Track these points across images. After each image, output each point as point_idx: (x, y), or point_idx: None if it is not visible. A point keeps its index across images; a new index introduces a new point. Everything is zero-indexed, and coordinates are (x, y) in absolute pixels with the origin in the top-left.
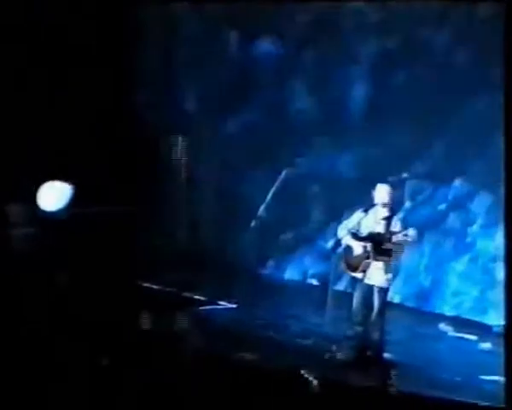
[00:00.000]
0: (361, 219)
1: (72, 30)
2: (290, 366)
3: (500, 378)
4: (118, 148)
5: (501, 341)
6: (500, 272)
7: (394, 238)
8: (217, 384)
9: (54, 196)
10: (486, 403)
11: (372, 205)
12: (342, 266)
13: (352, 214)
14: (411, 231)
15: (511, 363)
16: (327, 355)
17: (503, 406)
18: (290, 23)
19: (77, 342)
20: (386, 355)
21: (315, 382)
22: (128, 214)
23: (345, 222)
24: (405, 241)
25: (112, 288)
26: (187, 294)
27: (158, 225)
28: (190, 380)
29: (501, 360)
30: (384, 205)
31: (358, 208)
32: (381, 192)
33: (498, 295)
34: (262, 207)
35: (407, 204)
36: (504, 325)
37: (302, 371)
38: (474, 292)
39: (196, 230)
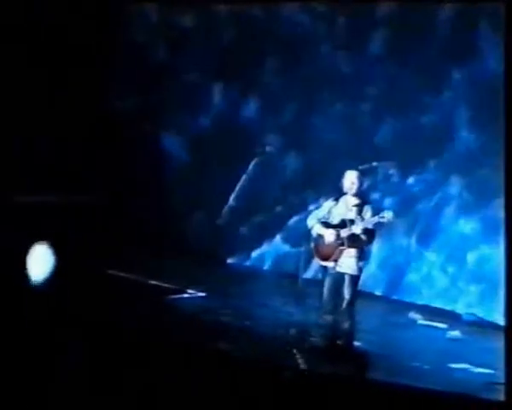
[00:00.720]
0: (331, 207)
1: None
2: (260, 355)
3: (469, 366)
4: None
5: (470, 329)
6: (470, 260)
7: (370, 222)
8: (188, 374)
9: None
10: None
11: (342, 194)
12: (313, 255)
13: (321, 204)
14: (387, 213)
15: (511, 359)
16: (297, 344)
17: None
18: None
19: (46, 331)
20: (356, 344)
21: (286, 370)
22: (96, 202)
23: (315, 212)
24: (381, 223)
25: (79, 276)
26: (155, 282)
27: (126, 212)
28: (162, 370)
29: (469, 348)
30: (354, 193)
31: (328, 197)
32: (350, 179)
33: (468, 283)
34: (232, 196)
35: (376, 192)
36: (505, 323)
37: (273, 360)
38: (444, 280)
39: (166, 218)
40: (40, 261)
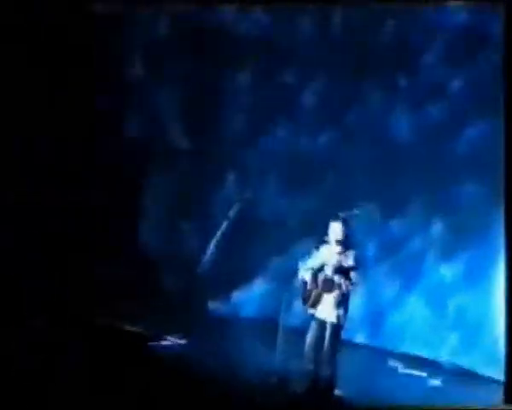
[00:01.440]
0: (318, 254)
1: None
2: (241, 402)
3: None
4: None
5: (451, 377)
6: (451, 307)
7: (338, 280)
8: None
9: None
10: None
11: (327, 241)
12: (300, 300)
13: (306, 251)
14: (351, 277)
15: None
16: (279, 391)
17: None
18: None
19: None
20: (337, 392)
21: None
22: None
23: (307, 259)
24: (348, 286)
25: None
26: (134, 328)
27: (106, 256)
28: None
29: (450, 397)
30: (338, 241)
31: (311, 244)
32: (334, 229)
33: (449, 330)
34: (213, 242)
35: (358, 238)
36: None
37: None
38: (425, 328)
39: (145, 263)
40: None
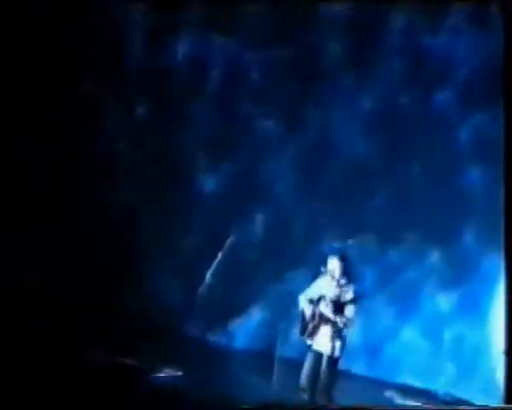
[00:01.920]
0: (315, 285)
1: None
2: None
3: None
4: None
5: (447, 408)
6: (447, 338)
7: (333, 318)
8: None
9: None
10: None
11: (328, 273)
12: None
13: (303, 280)
14: (347, 313)
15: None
16: None
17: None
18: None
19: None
20: None
21: None
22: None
23: (308, 289)
24: (344, 323)
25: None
26: (131, 361)
27: (99, 289)
28: None
29: None
30: (337, 274)
31: (308, 274)
32: (332, 264)
33: (444, 360)
34: (208, 274)
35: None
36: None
37: None
38: (421, 358)
39: (141, 295)
40: None
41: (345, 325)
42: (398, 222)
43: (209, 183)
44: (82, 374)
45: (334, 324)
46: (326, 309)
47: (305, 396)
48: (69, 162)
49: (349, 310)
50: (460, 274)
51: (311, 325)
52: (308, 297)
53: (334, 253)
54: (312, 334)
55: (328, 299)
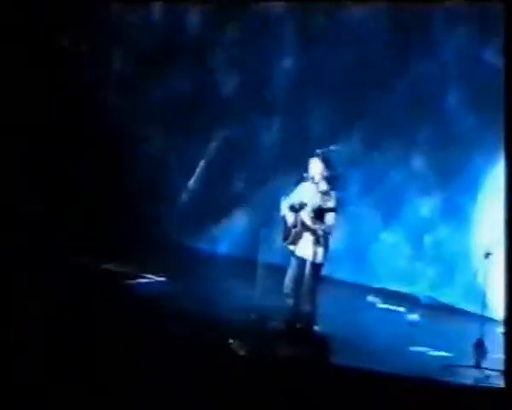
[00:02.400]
0: (300, 191)
1: None
2: (220, 340)
3: (427, 349)
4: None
5: (428, 312)
6: (428, 242)
7: (313, 225)
8: (147, 359)
9: None
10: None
11: (310, 178)
12: (280, 237)
13: (286, 185)
14: (327, 220)
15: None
16: (257, 328)
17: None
18: None
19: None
20: (316, 328)
21: (245, 354)
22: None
23: (290, 194)
24: (324, 230)
25: (37, 263)
26: (115, 267)
27: (85, 195)
28: (121, 354)
29: (427, 331)
30: (319, 178)
31: (291, 179)
32: (314, 166)
33: (426, 265)
34: (192, 179)
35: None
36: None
37: (232, 344)
38: (403, 263)
39: (125, 201)
40: None
41: (324, 232)
42: (381, 126)
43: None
44: (67, 280)
45: (314, 231)
46: (306, 217)
47: (289, 302)
48: None
49: (329, 217)
50: (443, 179)
51: (293, 232)
52: (289, 203)
53: (316, 156)
54: (295, 240)
55: (309, 206)
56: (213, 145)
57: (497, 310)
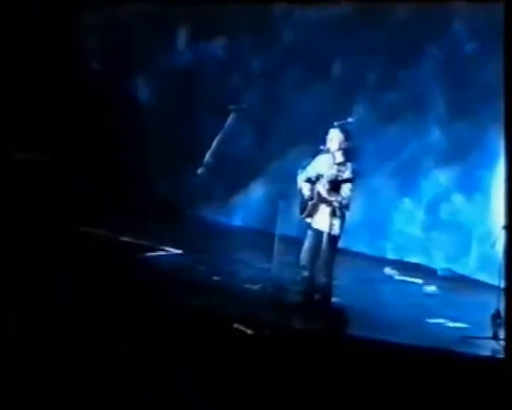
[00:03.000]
0: (317, 163)
1: None
2: (238, 312)
3: (444, 321)
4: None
5: (446, 284)
6: (446, 214)
7: (329, 197)
8: (164, 332)
9: None
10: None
11: (327, 149)
12: (297, 209)
13: (303, 157)
14: (343, 192)
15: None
16: (275, 300)
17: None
18: None
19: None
20: (333, 300)
21: (263, 327)
22: (69, 157)
23: (306, 167)
24: (340, 202)
25: (52, 235)
26: (132, 239)
27: (101, 169)
28: (137, 328)
29: (445, 303)
30: (336, 150)
31: (307, 153)
32: (331, 137)
33: (443, 238)
34: (208, 152)
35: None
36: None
37: (250, 316)
38: (419, 236)
39: (141, 174)
40: None
41: (341, 204)
42: (397, 99)
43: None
44: (82, 253)
45: (330, 203)
46: (322, 189)
47: (306, 274)
48: None
49: (345, 189)
50: (461, 150)
51: (310, 205)
52: (306, 176)
53: (335, 127)
54: (312, 213)
55: (325, 178)
56: (231, 117)
57: None
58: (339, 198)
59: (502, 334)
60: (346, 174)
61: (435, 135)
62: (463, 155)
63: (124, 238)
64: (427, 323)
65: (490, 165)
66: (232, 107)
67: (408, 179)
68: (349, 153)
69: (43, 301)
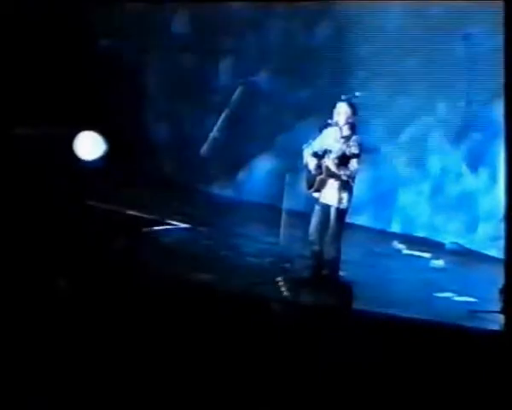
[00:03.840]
0: (323, 137)
1: None
2: (245, 286)
3: (452, 295)
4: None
5: (454, 258)
6: (454, 189)
7: (338, 171)
8: (172, 306)
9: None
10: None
11: (335, 124)
12: (304, 184)
13: (310, 131)
14: (351, 166)
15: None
16: (282, 274)
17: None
18: None
19: (29, 264)
20: (341, 274)
21: (271, 302)
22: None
23: (312, 141)
24: (349, 176)
25: (60, 208)
26: (138, 213)
27: (108, 144)
28: (143, 302)
29: (453, 277)
30: (343, 123)
31: (315, 128)
32: (338, 110)
33: (451, 212)
34: (215, 127)
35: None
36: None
37: (257, 291)
38: (427, 210)
39: (148, 149)
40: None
41: (349, 177)
42: (405, 73)
43: None
44: (90, 226)
45: (338, 177)
46: (331, 163)
47: (314, 248)
48: None
49: (353, 163)
50: (469, 127)
51: (318, 179)
52: (312, 150)
53: (343, 101)
54: (320, 187)
55: (333, 152)
56: (237, 92)
57: None
58: (347, 172)
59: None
60: (354, 148)
61: (443, 111)
62: (472, 129)
63: (130, 212)
64: (435, 297)
65: (498, 140)
66: (240, 80)
67: (416, 154)
68: (356, 127)
69: (47, 274)
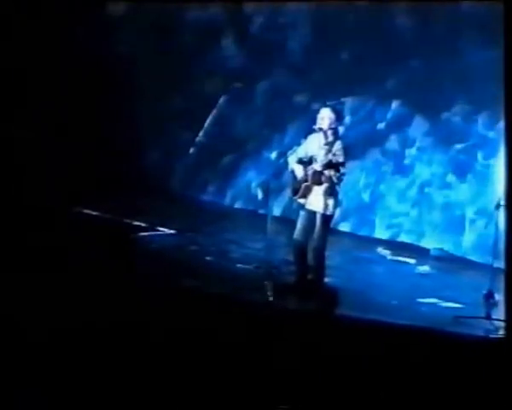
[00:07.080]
0: (307, 144)
1: None
2: (232, 291)
3: (437, 301)
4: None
5: (438, 264)
6: (438, 195)
7: (327, 173)
8: (159, 311)
9: None
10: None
11: (319, 129)
12: (289, 191)
13: (299, 140)
14: (341, 169)
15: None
16: (268, 280)
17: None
18: None
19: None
20: (326, 280)
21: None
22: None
23: (296, 148)
24: (338, 178)
25: (51, 215)
26: (126, 220)
27: (98, 150)
28: (132, 306)
29: (438, 283)
30: (326, 129)
31: (300, 134)
32: (322, 116)
33: (435, 218)
34: (201, 132)
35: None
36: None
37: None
38: (412, 216)
39: (136, 155)
40: None
41: (338, 179)
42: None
43: None
44: (76, 233)
45: (329, 180)
46: (318, 167)
47: (300, 254)
48: None
49: (338, 169)
50: (452, 131)
51: (303, 186)
52: (297, 157)
53: (327, 107)
54: (305, 194)
55: (318, 160)
56: (223, 98)
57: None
58: (337, 174)
59: (495, 314)
60: (339, 153)
61: (430, 117)
62: (457, 135)
63: (117, 218)
64: (420, 303)
65: (484, 146)
66: (231, 85)
67: (400, 160)
68: (340, 132)
69: (39, 282)
